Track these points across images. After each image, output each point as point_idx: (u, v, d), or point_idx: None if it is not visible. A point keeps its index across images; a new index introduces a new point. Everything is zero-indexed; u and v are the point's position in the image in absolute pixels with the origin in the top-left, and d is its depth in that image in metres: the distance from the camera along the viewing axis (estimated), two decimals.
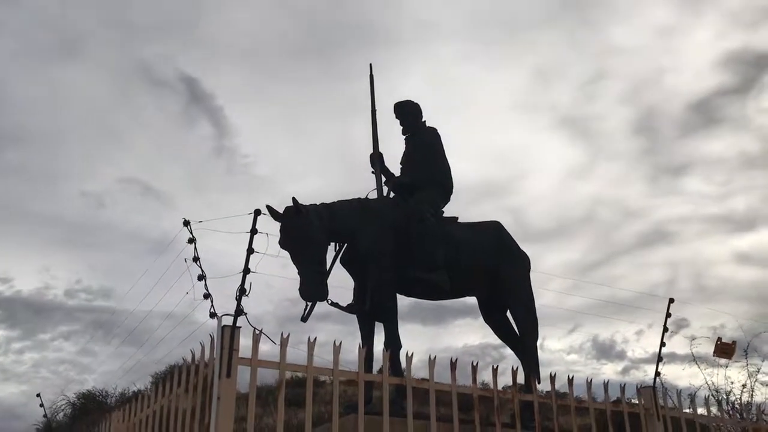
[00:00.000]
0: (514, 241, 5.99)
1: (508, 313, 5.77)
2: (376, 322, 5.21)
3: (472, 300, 5.94)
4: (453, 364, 4.52)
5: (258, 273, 4.36)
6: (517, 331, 5.70)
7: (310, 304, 4.95)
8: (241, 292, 4.21)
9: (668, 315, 5.52)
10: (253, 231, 4.34)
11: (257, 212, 4.35)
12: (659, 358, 5.47)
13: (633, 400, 5.44)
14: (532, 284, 5.87)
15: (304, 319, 4.97)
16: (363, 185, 5.85)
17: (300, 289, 4.89)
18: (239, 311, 4.24)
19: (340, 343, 4.30)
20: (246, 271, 4.24)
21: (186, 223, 4.50)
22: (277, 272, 4.78)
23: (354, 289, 5.40)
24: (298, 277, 4.87)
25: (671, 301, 5.60)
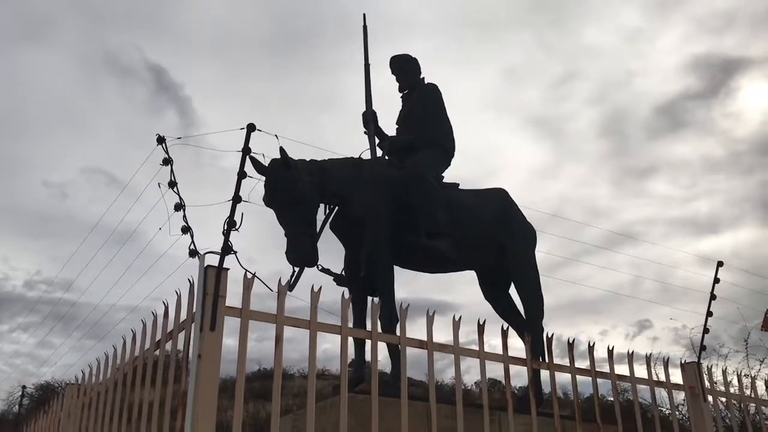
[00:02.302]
0: (520, 212, 5.60)
1: (512, 291, 5.34)
2: (370, 298, 4.70)
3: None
4: (480, 327, 3.76)
5: (251, 203, 3.57)
6: (522, 309, 5.22)
7: (297, 269, 4.42)
8: (230, 224, 3.38)
9: (716, 280, 4.95)
10: (246, 150, 3.52)
11: (251, 127, 3.54)
12: (705, 330, 4.84)
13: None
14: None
15: (291, 286, 4.33)
16: (344, 153, 5.20)
17: (287, 253, 4.38)
18: (227, 249, 3.40)
19: (351, 297, 3.62)
20: (236, 198, 3.41)
21: (161, 140, 3.64)
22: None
23: (345, 257, 4.93)
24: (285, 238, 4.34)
25: (720, 264, 4.99)
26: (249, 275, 3.43)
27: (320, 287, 3.57)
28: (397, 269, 4.96)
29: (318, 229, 4.65)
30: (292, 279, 4.45)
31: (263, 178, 4.52)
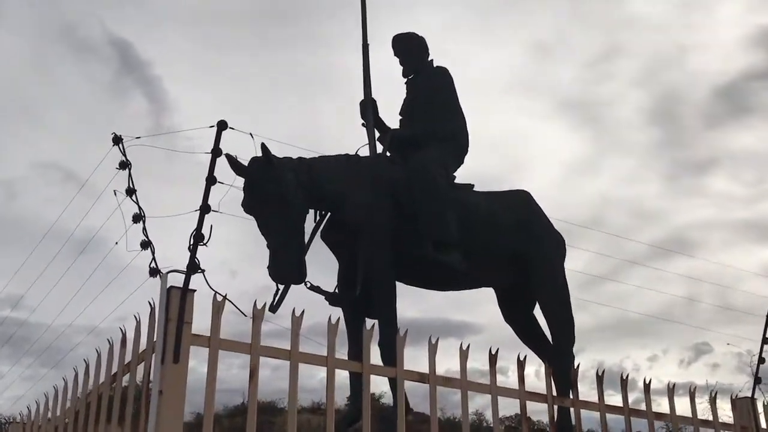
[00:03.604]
0: (546, 217, 5.55)
1: (537, 311, 5.31)
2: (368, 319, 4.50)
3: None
4: (492, 357, 3.79)
5: (223, 213, 3.59)
6: (548, 332, 5.21)
7: (282, 287, 4.41)
8: (197, 238, 3.39)
9: None
10: (215, 152, 3.52)
11: (222, 126, 3.54)
12: (760, 359, 4.85)
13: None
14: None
15: (274, 308, 4.34)
16: (336, 148, 5.20)
17: (269, 268, 4.35)
18: (194, 266, 3.41)
19: (337, 320, 3.63)
20: (204, 208, 3.43)
21: (117, 140, 3.67)
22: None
23: (339, 273, 4.91)
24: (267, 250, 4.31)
25: None
26: (219, 297, 3.44)
27: (303, 311, 3.57)
28: (401, 286, 4.84)
29: (307, 240, 4.59)
30: (276, 299, 4.38)
31: (242, 179, 4.40)
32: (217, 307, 3.37)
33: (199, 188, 3.48)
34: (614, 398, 4.32)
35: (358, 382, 4.33)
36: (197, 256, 3.33)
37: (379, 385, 4.49)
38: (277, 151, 4.50)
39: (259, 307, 3.42)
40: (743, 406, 4.63)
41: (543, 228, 5.44)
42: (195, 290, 3.31)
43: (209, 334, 3.29)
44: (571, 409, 4.19)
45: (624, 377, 4.16)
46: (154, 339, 3.30)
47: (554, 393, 4.25)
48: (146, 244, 3.54)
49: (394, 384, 3.79)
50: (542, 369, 4.24)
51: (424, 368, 3.69)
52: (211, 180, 3.44)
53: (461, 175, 5.38)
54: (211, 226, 3.29)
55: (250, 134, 4.14)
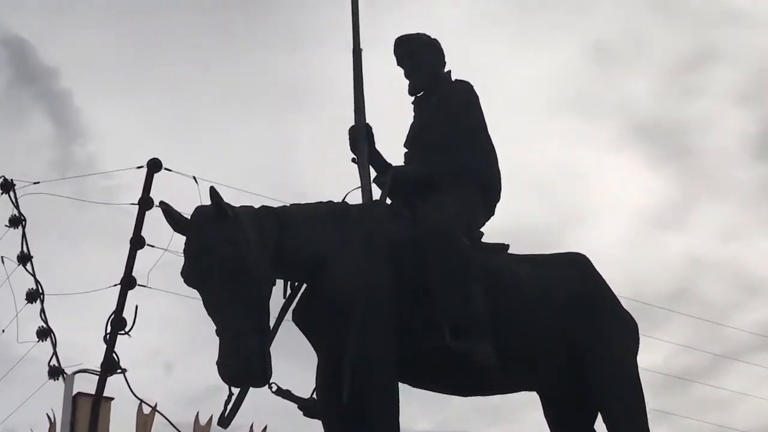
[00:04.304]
0: (611, 292, 5.35)
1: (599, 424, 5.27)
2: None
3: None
4: None
5: (153, 288, 3.63)
6: None
7: (236, 391, 4.55)
8: (116, 324, 3.47)
9: None
10: (145, 202, 3.55)
11: (154, 165, 3.53)
12: None
13: None
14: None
15: (225, 421, 4.52)
16: (314, 195, 5.17)
17: (219, 364, 4.43)
18: (111, 364, 3.45)
19: None
20: (128, 281, 3.47)
21: (7, 187, 3.69)
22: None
23: (317, 369, 4.92)
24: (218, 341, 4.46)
25: None
26: (147, 408, 3.44)
27: (265, 427, 3.57)
28: (405, 389, 4.87)
29: (273, 324, 4.66)
30: (228, 408, 4.51)
31: (183, 238, 4.55)
32: (144, 422, 3.32)
33: (121, 252, 3.48)
34: None
35: None
36: (116, 349, 3.38)
37: None
38: (233, 198, 4.46)
39: (203, 421, 3.44)
40: None
41: (606, 307, 5.27)
42: (112, 398, 3.34)
43: None
44: None
45: None
46: None
47: None
48: (45, 333, 3.55)
49: None
50: None
51: None
52: (137, 241, 3.49)
53: (491, 231, 5.16)
54: (137, 306, 3.37)
55: (194, 177, 4.21)
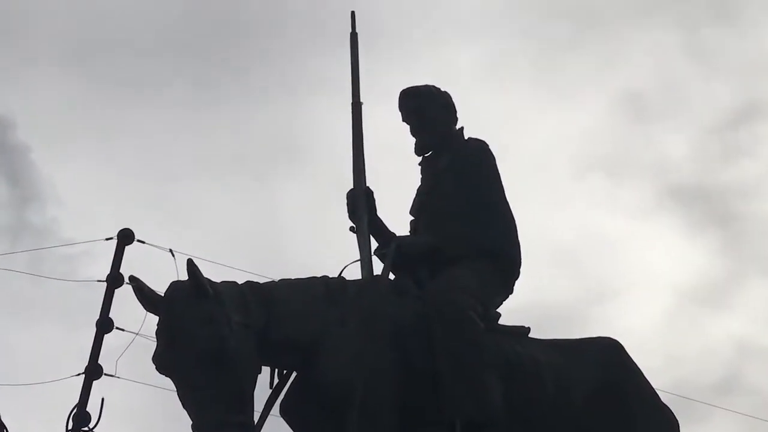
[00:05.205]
0: (647, 383, 5.19)
1: None
2: None
3: None
4: None
5: (122, 378, 3.39)
6: None
7: None
8: (79, 420, 3.26)
9: None
10: (114, 279, 3.32)
11: (125, 237, 3.32)
12: None
13: None
14: None
15: None
16: (306, 270, 5.00)
17: None
18: None
19: None
20: (93, 369, 3.23)
21: None
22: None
23: None
24: None
25: None
26: None
27: None
28: None
29: (257, 417, 4.52)
30: None
31: (156, 319, 4.45)
32: None
33: (84, 333, 3.23)
34: None
35: None
36: None
37: None
38: (214, 273, 4.26)
39: None
40: None
41: (642, 400, 5.10)
42: None
43: None
44: None
45: None
46: None
47: None
48: None
49: None
50: None
51: None
52: (104, 323, 3.30)
53: (508, 309, 4.98)
54: (103, 399, 3.14)
55: (170, 250, 3.99)
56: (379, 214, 5.29)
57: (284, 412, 4.72)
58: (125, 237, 3.01)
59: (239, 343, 4.43)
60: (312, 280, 4.80)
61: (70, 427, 2.97)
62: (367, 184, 5.25)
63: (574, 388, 5.03)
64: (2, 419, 3.37)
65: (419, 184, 5.48)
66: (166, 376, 4.37)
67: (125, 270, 3.08)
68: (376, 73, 5.35)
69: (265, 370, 4.71)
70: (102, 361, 2.97)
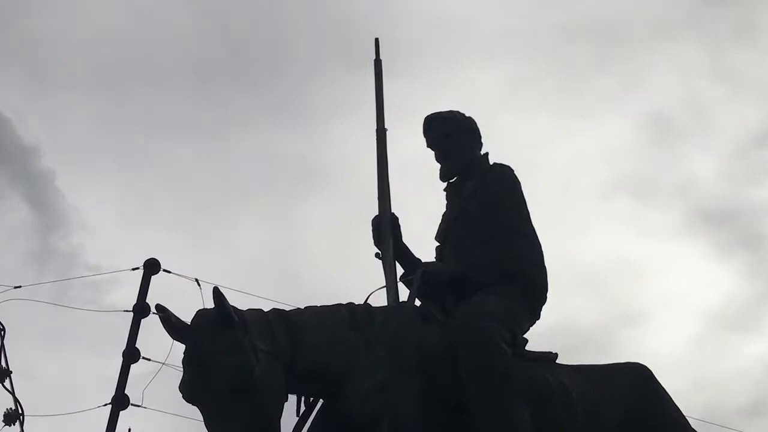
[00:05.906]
0: (678, 410, 5.16)
1: None
2: None
3: None
4: None
5: (148, 409, 3.35)
6: None
7: None
8: None
9: None
10: (141, 308, 3.29)
11: (151, 266, 3.29)
12: None
13: None
14: None
15: None
16: (332, 297, 4.97)
17: None
18: None
19: None
20: (120, 399, 3.19)
21: None
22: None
23: None
24: None
25: None
26: None
27: None
28: None
29: None
30: None
31: (182, 348, 4.43)
32: None
33: (111, 362, 3.21)
34: None
35: None
36: None
37: None
38: (239, 301, 4.28)
39: None
40: None
41: (671, 426, 5.08)
42: None
43: None
44: None
45: None
46: None
47: None
48: None
49: None
50: None
51: None
52: (131, 353, 3.25)
53: (536, 337, 4.94)
54: (129, 429, 3.13)
55: (196, 280, 3.96)
56: (404, 239, 5.31)
57: None
58: (151, 266, 2.99)
59: (266, 372, 4.44)
60: (338, 307, 4.81)
61: None
62: (393, 210, 5.31)
63: (603, 414, 5.02)
64: None
65: (444, 209, 5.51)
66: (192, 404, 4.37)
67: (151, 299, 3.08)
68: (399, 97, 5.30)
69: (292, 398, 4.71)
70: (128, 390, 2.96)
